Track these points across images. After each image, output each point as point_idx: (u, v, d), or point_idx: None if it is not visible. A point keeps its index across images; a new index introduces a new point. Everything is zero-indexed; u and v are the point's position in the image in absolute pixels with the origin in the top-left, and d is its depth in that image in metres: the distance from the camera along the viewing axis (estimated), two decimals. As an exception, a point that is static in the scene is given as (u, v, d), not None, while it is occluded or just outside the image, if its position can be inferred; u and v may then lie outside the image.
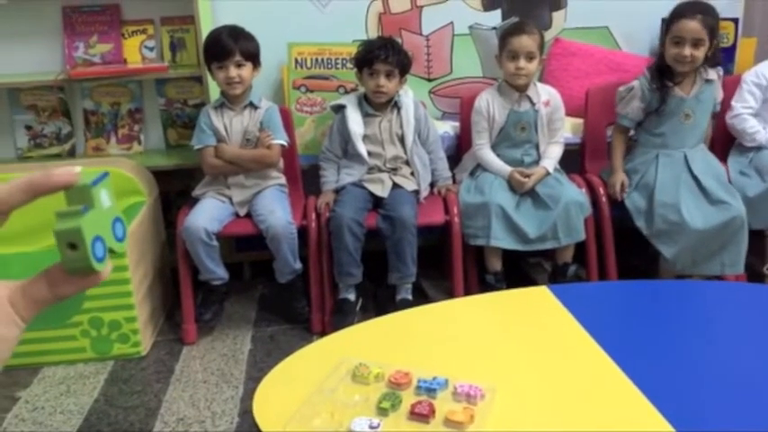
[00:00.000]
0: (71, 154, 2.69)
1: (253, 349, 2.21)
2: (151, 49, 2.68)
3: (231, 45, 2.25)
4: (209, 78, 2.41)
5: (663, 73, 2.32)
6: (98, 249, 0.38)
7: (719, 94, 2.40)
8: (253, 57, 2.31)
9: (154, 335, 2.32)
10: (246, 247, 2.66)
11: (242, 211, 2.32)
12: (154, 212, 2.43)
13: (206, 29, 2.44)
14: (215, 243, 2.22)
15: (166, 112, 2.73)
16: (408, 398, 1.17)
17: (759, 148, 2.43)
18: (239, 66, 2.26)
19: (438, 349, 1.38)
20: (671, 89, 2.31)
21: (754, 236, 2.41)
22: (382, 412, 1.14)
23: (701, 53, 2.24)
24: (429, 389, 1.19)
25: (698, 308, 1.59)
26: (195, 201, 2.34)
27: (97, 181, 0.38)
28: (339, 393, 1.21)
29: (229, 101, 2.34)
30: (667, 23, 2.31)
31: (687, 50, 2.23)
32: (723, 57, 2.68)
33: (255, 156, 2.33)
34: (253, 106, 2.35)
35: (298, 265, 2.28)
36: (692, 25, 2.23)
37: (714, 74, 2.36)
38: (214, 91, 2.46)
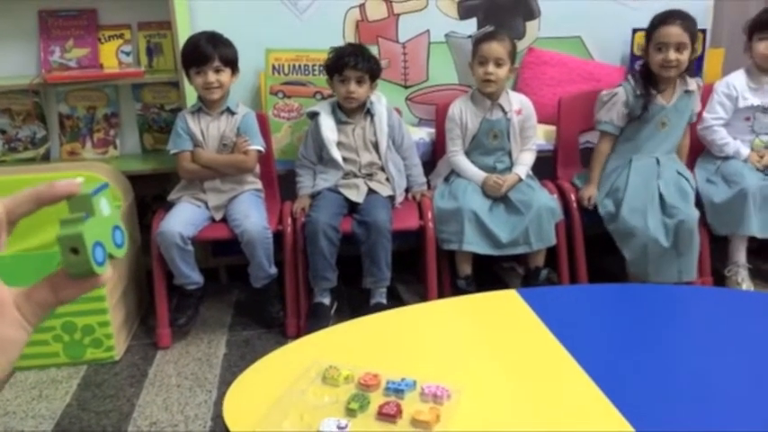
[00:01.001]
0: (46, 158, 2.68)
1: (227, 353, 2.22)
2: (128, 54, 2.69)
3: (210, 50, 2.26)
4: (186, 83, 2.42)
5: (647, 80, 2.37)
6: (98, 254, 0.41)
7: (698, 106, 2.46)
8: (231, 63, 2.32)
9: (128, 339, 2.31)
10: (223, 251, 2.67)
11: (217, 216, 2.32)
12: (129, 217, 2.43)
13: (183, 34, 2.45)
14: (190, 248, 2.22)
15: (143, 117, 2.74)
16: (377, 399, 1.19)
17: (726, 157, 2.49)
18: (218, 71, 2.28)
19: (408, 352, 1.40)
20: (654, 97, 2.36)
21: (721, 241, 2.48)
22: (351, 413, 1.16)
23: (685, 57, 2.30)
24: (397, 390, 1.21)
25: (662, 311, 1.63)
26: (171, 205, 2.35)
27: (97, 191, 0.41)
28: (309, 395, 1.23)
29: (207, 106, 2.35)
30: (648, 32, 2.36)
31: (672, 54, 2.29)
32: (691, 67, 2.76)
33: (232, 161, 2.34)
34: (230, 112, 2.36)
35: (273, 270, 2.29)
36: (674, 30, 2.29)
37: (694, 84, 2.42)
38: (191, 96, 2.47)
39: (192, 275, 2.27)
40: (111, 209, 0.43)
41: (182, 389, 2.01)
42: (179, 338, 2.31)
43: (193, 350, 2.25)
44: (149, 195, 2.72)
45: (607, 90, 2.44)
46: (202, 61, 2.25)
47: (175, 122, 2.37)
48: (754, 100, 2.47)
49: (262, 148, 2.37)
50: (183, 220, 2.22)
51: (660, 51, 2.31)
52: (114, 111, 2.72)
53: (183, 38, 2.43)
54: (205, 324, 2.41)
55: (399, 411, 1.15)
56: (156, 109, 2.73)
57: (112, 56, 2.67)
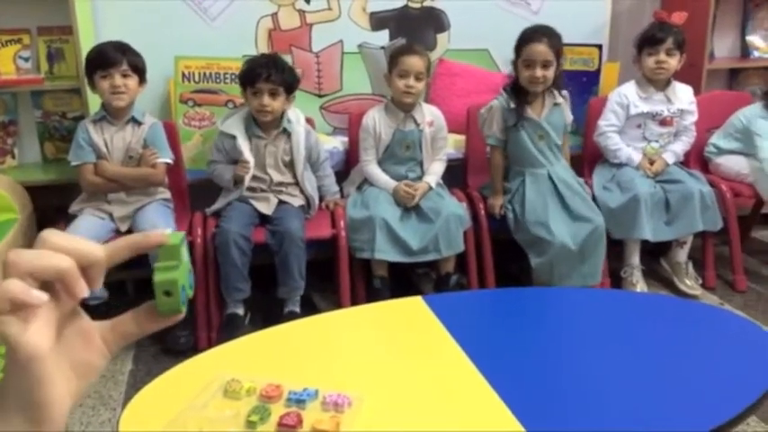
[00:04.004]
0: (-65, 168, 2.52)
1: (134, 369, 2.15)
2: (26, 60, 2.57)
3: (118, 55, 2.20)
4: (89, 90, 2.33)
5: (517, 93, 2.48)
6: (183, 296, 0.48)
7: (569, 116, 2.59)
8: (139, 71, 2.26)
9: (27, 358, 2.20)
10: (129, 264, 2.57)
11: (123, 227, 2.26)
12: (26, 230, 2.31)
13: (86, 39, 2.37)
14: (93, 262, 2.14)
15: (43, 125, 2.62)
16: (278, 410, 1.20)
17: (621, 165, 2.65)
18: (125, 76, 2.21)
19: (313, 361, 1.42)
20: (524, 109, 2.47)
21: (617, 244, 2.62)
22: (251, 425, 1.16)
23: (550, 74, 2.41)
24: (299, 400, 1.22)
25: (561, 314, 1.71)
26: (73, 218, 2.26)
27: (182, 241, 0.48)
28: (210, 409, 1.22)
29: (111, 114, 2.28)
30: (517, 47, 2.46)
31: (539, 72, 2.39)
32: (589, 80, 2.92)
33: (139, 175, 2.28)
34: (135, 122, 2.30)
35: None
36: (541, 48, 2.39)
37: (561, 97, 2.54)
38: (94, 103, 2.39)
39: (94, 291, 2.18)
40: (187, 256, 0.49)
41: (84, 408, 1.94)
42: (83, 356, 2.22)
43: (98, 367, 2.16)
44: (51, 207, 2.60)
45: (484, 107, 2.53)
46: (109, 64, 2.18)
47: (76, 132, 2.27)
48: (644, 107, 2.63)
49: (170, 161, 2.32)
50: (85, 234, 2.13)
51: (528, 68, 2.41)
52: (12, 119, 2.59)
53: (85, 43, 2.35)
54: (111, 340, 2.32)
55: (300, 421, 1.16)
56: (58, 117, 2.63)
57: (10, 61, 2.55)
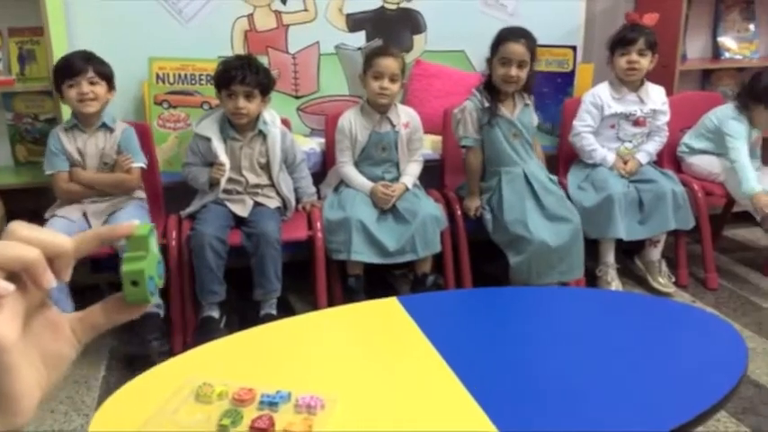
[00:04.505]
0: None
1: (107, 375, 2.13)
2: (-3, 61, 2.53)
3: (84, 63, 2.20)
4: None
5: (491, 91, 2.49)
6: (151, 286, 0.49)
7: (534, 119, 2.61)
8: (107, 78, 2.25)
9: (-3, 365, 2.16)
10: (103, 267, 2.55)
11: (96, 225, 2.23)
12: (-2, 234, 2.28)
13: (58, 41, 2.34)
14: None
15: (14, 128, 2.58)
16: (250, 413, 1.19)
17: (595, 165, 2.67)
18: (93, 83, 2.20)
19: (285, 364, 1.41)
20: (498, 108, 2.49)
21: (592, 243, 2.65)
22: (222, 429, 1.16)
23: (524, 74, 2.44)
24: (271, 403, 1.21)
25: (535, 313, 1.72)
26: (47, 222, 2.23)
27: (150, 232, 0.49)
28: (181, 414, 1.21)
29: (82, 122, 2.26)
30: (494, 46, 2.48)
31: (513, 71, 2.41)
32: (564, 81, 2.95)
33: (115, 180, 2.27)
34: (107, 128, 2.28)
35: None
36: (518, 48, 2.41)
37: (529, 99, 2.57)
38: (66, 106, 2.35)
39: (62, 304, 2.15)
40: (156, 246, 0.50)
41: (56, 414, 1.91)
42: (55, 361, 2.19)
43: (70, 373, 2.13)
44: (25, 211, 2.56)
45: (457, 108, 2.54)
46: (76, 72, 2.17)
47: (48, 141, 2.26)
48: (618, 108, 2.67)
49: (144, 165, 2.32)
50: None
51: (503, 66, 2.43)
52: (-18, 121, 2.55)
53: (57, 45, 2.32)
54: (83, 345, 2.29)
55: (272, 424, 1.16)
56: (30, 119, 2.59)
57: (-21, 63, 2.51)
